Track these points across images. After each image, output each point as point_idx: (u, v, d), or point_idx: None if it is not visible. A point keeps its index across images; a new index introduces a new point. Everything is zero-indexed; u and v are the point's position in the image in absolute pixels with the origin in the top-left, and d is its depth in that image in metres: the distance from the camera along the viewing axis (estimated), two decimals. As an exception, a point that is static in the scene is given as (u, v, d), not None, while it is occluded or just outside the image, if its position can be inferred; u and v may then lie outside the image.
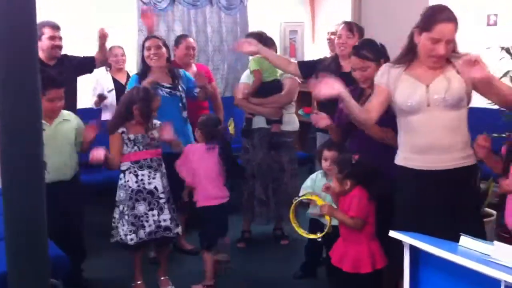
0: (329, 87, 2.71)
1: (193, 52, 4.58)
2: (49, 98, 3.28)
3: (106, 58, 4.39)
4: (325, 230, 3.10)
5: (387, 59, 3.08)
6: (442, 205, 2.64)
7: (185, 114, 4.05)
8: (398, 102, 2.71)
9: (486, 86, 2.55)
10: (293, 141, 4.40)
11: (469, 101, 2.68)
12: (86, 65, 4.22)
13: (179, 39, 4.62)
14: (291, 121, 4.37)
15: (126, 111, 3.42)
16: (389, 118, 2.86)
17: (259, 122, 4.26)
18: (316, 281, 3.75)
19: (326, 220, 3.12)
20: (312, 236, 3.20)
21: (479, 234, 2.31)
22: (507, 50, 3.83)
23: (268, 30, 4.62)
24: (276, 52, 4.41)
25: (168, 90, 3.93)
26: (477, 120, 2.95)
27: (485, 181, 3.70)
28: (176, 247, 4.16)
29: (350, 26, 3.79)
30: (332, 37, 4.87)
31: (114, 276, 3.82)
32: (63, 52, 4.11)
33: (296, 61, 4.08)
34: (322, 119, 3.23)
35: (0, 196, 2.18)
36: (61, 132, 3.43)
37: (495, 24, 5.12)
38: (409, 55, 2.71)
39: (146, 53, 3.97)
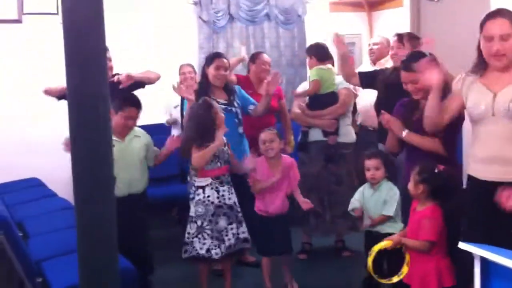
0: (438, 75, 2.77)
1: (268, 68, 4.60)
2: (126, 115, 3.52)
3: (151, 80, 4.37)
4: (400, 276, 2.93)
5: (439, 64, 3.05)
6: (509, 217, 2.53)
7: (241, 129, 4.09)
8: (468, 110, 2.71)
9: None
10: (350, 153, 4.37)
11: None
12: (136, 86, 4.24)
13: (255, 56, 4.69)
14: (348, 133, 4.37)
15: (199, 131, 3.44)
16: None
17: (315, 135, 4.28)
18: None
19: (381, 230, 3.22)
20: (386, 281, 3.04)
21: None
22: None
23: (326, 43, 4.63)
24: (333, 65, 4.43)
25: (224, 106, 3.98)
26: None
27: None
28: (239, 260, 4.19)
29: (400, 37, 3.80)
30: (374, 47, 4.89)
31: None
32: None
33: (357, 72, 4.09)
34: (392, 122, 3.20)
35: (72, 210, 2.28)
36: (132, 148, 3.60)
37: None
38: (481, 63, 2.68)
39: (213, 71, 4.00)
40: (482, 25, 2.58)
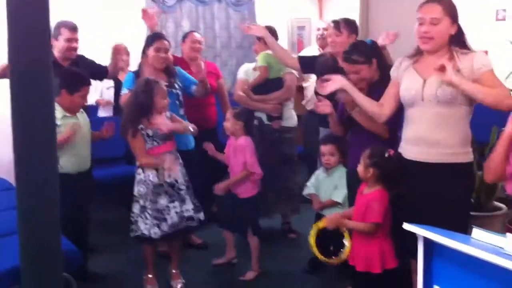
0: (334, 83, 2.91)
1: (199, 46, 4.54)
2: (82, 95, 3.54)
3: (117, 72, 4.45)
4: (341, 256, 3.02)
5: (379, 57, 3.15)
6: (430, 197, 2.67)
7: (182, 111, 4.02)
8: (401, 94, 2.79)
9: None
10: (293, 137, 4.42)
11: (470, 100, 2.66)
12: (98, 73, 4.24)
13: (186, 35, 4.65)
14: (290, 117, 4.40)
15: (138, 108, 3.39)
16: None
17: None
18: (324, 276, 3.76)
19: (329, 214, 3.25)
20: (328, 261, 3.13)
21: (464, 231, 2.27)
22: (518, 44, 3.82)
23: (276, 26, 4.62)
24: None
25: (165, 88, 3.92)
26: (487, 116, 2.93)
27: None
28: (185, 242, 4.16)
29: (337, 24, 3.81)
30: (324, 32, 4.94)
31: (122, 270, 3.85)
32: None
33: (296, 56, 4.09)
34: (324, 106, 3.24)
35: (13, 190, 2.20)
36: (83, 123, 3.62)
37: (504, 19, 5.10)
38: (418, 49, 2.76)
39: (153, 53, 3.89)
40: (419, 8, 2.66)
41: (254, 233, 3.73)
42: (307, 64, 3.94)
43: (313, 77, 4.91)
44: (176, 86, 3.98)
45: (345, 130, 3.35)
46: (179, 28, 6.01)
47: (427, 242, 2.02)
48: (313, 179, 3.69)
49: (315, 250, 3.05)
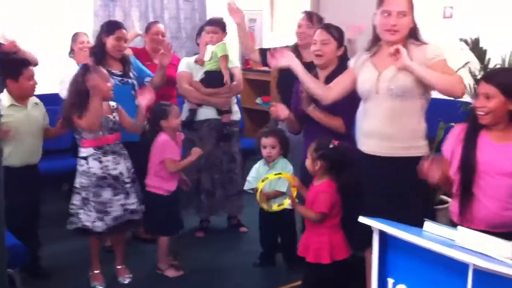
0: (285, 58, 2.92)
1: (162, 38, 4.45)
2: (27, 76, 3.39)
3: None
4: (284, 203, 3.19)
5: (345, 49, 3.21)
6: (387, 190, 2.71)
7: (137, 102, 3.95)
8: (358, 87, 2.81)
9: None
10: (239, 131, 4.40)
11: (424, 92, 2.70)
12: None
13: (149, 26, 4.54)
14: (236, 111, 4.36)
15: (77, 97, 3.27)
16: (342, 106, 2.97)
17: (206, 113, 4.18)
18: (274, 268, 3.77)
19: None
20: (270, 209, 3.25)
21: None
22: (466, 42, 3.91)
23: (227, 17, 4.56)
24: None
25: (120, 78, 3.82)
26: (435, 110, 2.99)
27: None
28: (134, 236, 4.10)
29: (310, 16, 3.81)
30: None
31: (70, 264, 3.74)
32: None
33: (257, 48, 4.06)
34: (281, 111, 3.27)
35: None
36: (34, 115, 3.47)
37: (451, 16, 5.22)
38: (374, 41, 2.79)
39: (114, 42, 3.79)
40: (381, 0, 2.67)
41: (162, 232, 3.62)
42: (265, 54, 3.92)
43: None
44: (131, 75, 3.89)
45: (301, 126, 3.35)
46: (128, 17, 5.87)
47: (382, 235, 2.03)
48: (253, 172, 3.68)
49: (260, 199, 3.17)
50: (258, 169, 3.66)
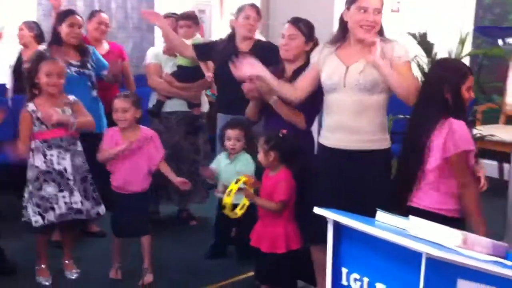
0: (251, 67, 2.84)
1: (105, 29, 4.38)
2: None
3: None
4: (245, 204, 3.11)
5: (315, 44, 3.14)
6: (352, 184, 2.72)
7: (95, 93, 3.87)
8: (322, 80, 2.79)
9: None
10: (205, 123, 4.38)
11: (388, 88, 2.70)
12: None
13: (92, 14, 4.42)
14: (204, 103, 4.35)
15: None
16: (304, 102, 2.94)
17: (175, 105, 4.16)
18: (226, 260, 3.75)
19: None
20: (234, 214, 3.14)
21: None
22: (413, 36, 3.99)
23: (176, 9, 4.50)
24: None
25: (77, 68, 3.72)
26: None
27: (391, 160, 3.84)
28: (83, 230, 3.99)
29: (258, 9, 3.79)
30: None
31: (16, 259, 3.58)
32: None
33: (191, 44, 3.98)
34: (251, 90, 3.18)
35: None
36: None
37: (398, 10, 5.33)
38: (340, 36, 2.78)
39: (67, 29, 3.74)
40: None
41: (145, 231, 3.47)
42: (204, 51, 3.86)
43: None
44: (89, 66, 3.80)
45: (260, 116, 3.32)
46: (73, 6, 5.69)
47: (336, 225, 2.04)
48: (214, 163, 3.65)
49: (228, 206, 3.04)
50: (219, 161, 3.60)
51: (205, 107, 4.34)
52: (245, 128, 3.50)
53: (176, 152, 4.13)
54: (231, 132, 3.47)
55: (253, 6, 3.80)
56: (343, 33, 2.76)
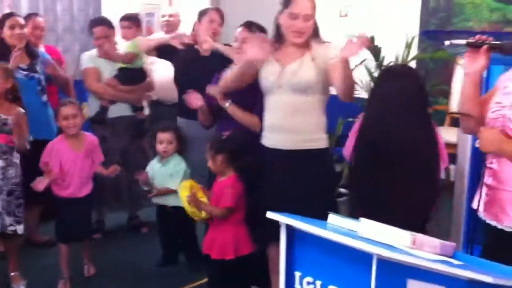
0: (258, 48, 2.71)
1: (41, 33, 4.25)
2: None
3: None
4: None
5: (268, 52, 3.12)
6: (292, 184, 2.74)
7: (45, 98, 3.77)
8: (260, 81, 2.82)
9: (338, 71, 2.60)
10: (148, 127, 4.32)
11: (325, 88, 2.76)
12: None
13: (28, 17, 4.25)
14: (146, 106, 4.31)
15: None
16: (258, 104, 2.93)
17: (119, 110, 4.08)
18: (178, 268, 3.72)
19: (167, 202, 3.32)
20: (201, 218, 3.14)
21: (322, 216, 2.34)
22: (362, 39, 4.04)
23: (124, 11, 4.43)
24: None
25: (25, 72, 3.63)
26: (335, 107, 3.04)
27: (340, 163, 3.90)
28: (29, 240, 3.86)
29: (222, 13, 3.78)
30: (170, 19, 4.94)
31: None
32: None
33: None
34: (195, 99, 3.22)
35: None
36: None
37: (346, 15, 5.41)
38: (277, 39, 2.80)
39: (8, 32, 3.66)
40: (290, 1, 2.67)
41: (58, 238, 3.44)
42: (166, 54, 3.83)
43: (156, 67, 4.78)
44: (38, 69, 3.70)
45: (214, 120, 3.31)
46: (17, 8, 5.51)
47: (289, 229, 2.04)
48: (148, 168, 3.61)
49: (188, 209, 3.04)
50: (153, 166, 3.59)
51: (147, 111, 4.28)
52: (177, 131, 3.50)
53: (125, 157, 4.07)
54: (162, 136, 3.47)
55: (217, 10, 3.82)
56: (279, 34, 2.78)
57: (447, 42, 2.12)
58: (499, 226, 2.14)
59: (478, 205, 2.25)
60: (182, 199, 3.04)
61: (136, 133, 4.16)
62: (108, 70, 4.05)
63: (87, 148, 3.38)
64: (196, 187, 3.09)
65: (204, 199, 3.07)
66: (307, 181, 2.73)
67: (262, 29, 3.21)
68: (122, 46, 4.04)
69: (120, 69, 4.06)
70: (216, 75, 3.22)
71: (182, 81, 3.65)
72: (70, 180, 3.32)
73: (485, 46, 2.07)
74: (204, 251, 3.05)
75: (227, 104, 3.09)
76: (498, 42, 2.07)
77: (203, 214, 3.06)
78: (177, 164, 3.50)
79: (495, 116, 2.14)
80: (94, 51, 4.14)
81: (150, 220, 4.27)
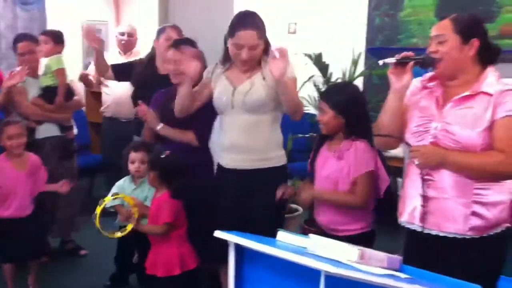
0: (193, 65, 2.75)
1: None
2: None
3: None
4: (127, 229, 2.99)
5: (203, 62, 3.12)
6: (249, 203, 2.75)
7: None
8: (214, 101, 2.81)
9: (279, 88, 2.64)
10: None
11: (277, 106, 2.77)
12: None
13: None
14: (75, 126, 4.18)
15: None
16: (194, 119, 2.94)
17: (47, 131, 3.92)
18: (128, 288, 3.63)
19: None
20: (114, 236, 3.05)
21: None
22: (310, 56, 4.10)
23: (69, 28, 4.35)
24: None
25: None
26: (285, 123, 3.05)
27: (291, 179, 3.91)
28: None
29: (179, 30, 3.75)
30: (125, 37, 4.93)
31: None
32: None
33: (110, 64, 3.87)
34: (143, 111, 3.19)
35: None
36: None
37: (295, 32, 5.46)
38: (227, 58, 2.79)
39: None
40: (234, 31, 2.65)
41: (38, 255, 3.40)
42: (122, 72, 3.79)
43: (112, 83, 4.71)
44: None
45: (158, 138, 3.27)
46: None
47: (238, 247, 2.02)
48: (115, 189, 3.47)
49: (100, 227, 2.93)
50: (122, 187, 3.37)
51: (75, 130, 4.17)
52: (150, 150, 3.40)
53: (54, 179, 3.87)
54: (134, 155, 3.32)
55: (175, 27, 3.77)
56: (228, 54, 2.77)
57: (380, 62, 2.19)
58: (441, 234, 2.17)
59: (410, 218, 2.25)
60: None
61: (65, 154, 3.99)
62: (35, 89, 3.89)
63: (31, 168, 3.33)
64: (129, 200, 3.02)
65: (135, 215, 2.98)
66: (265, 199, 2.73)
67: (192, 43, 3.20)
68: (43, 61, 3.91)
69: (45, 88, 3.90)
70: (155, 95, 3.22)
71: (140, 99, 3.59)
72: (12, 200, 3.25)
73: (411, 62, 2.14)
74: (148, 271, 2.98)
75: (158, 127, 3.10)
76: (420, 57, 2.16)
77: (117, 235, 3.01)
78: (151, 187, 3.30)
79: (423, 129, 2.19)
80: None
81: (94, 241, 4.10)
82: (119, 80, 3.86)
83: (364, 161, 2.62)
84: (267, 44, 2.74)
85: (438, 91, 2.20)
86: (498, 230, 2.16)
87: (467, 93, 2.12)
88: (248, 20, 2.66)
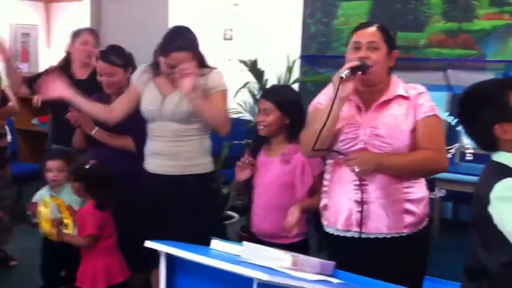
0: (56, 88, 2.76)
1: None
2: None
3: None
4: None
5: (134, 68, 3.08)
6: (175, 209, 2.72)
7: None
8: (142, 109, 2.78)
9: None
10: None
11: None
12: None
13: None
14: (7, 133, 4.07)
15: None
16: (132, 125, 2.90)
17: None
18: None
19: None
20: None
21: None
22: (245, 63, 4.10)
23: (-1, 32, 4.18)
24: None
25: None
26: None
27: (227, 185, 3.89)
28: None
29: (96, 34, 3.68)
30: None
31: None
32: None
33: (21, 78, 3.73)
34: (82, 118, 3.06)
35: None
36: None
37: (231, 38, 5.46)
38: (157, 65, 2.76)
39: None
40: (167, 52, 2.63)
41: None
42: (33, 82, 3.61)
43: None
44: None
45: (88, 144, 3.19)
46: None
47: (169, 257, 1.97)
48: (37, 197, 3.35)
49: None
50: (42, 196, 3.25)
51: (8, 137, 4.05)
52: (68, 158, 3.30)
53: None
54: (51, 164, 3.24)
55: (91, 30, 3.71)
56: (158, 62, 2.74)
57: (342, 75, 2.14)
58: (380, 236, 2.19)
59: (346, 225, 2.22)
60: (40, 215, 2.89)
61: (3, 162, 3.88)
62: None
63: None
64: (62, 206, 2.95)
65: (68, 220, 2.92)
66: (190, 205, 2.71)
67: (121, 55, 3.13)
68: None
69: None
70: (92, 97, 3.11)
71: (56, 107, 3.46)
72: None
73: (359, 72, 2.15)
74: (77, 284, 2.90)
75: (93, 132, 3.04)
76: (359, 64, 2.15)
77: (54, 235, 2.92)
78: (72, 194, 3.19)
79: (352, 136, 2.20)
80: None
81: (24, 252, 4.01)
82: (33, 94, 3.72)
83: (318, 160, 2.53)
84: (200, 58, 2.73)
85: (354, 98, 2.23)
86: (424, 224, 2.25)
87: (385, 98, 2.19)
88: (182, 41, 2.65)
